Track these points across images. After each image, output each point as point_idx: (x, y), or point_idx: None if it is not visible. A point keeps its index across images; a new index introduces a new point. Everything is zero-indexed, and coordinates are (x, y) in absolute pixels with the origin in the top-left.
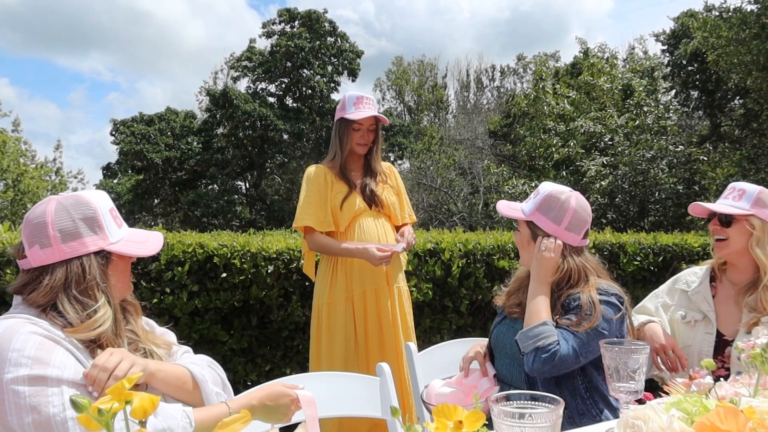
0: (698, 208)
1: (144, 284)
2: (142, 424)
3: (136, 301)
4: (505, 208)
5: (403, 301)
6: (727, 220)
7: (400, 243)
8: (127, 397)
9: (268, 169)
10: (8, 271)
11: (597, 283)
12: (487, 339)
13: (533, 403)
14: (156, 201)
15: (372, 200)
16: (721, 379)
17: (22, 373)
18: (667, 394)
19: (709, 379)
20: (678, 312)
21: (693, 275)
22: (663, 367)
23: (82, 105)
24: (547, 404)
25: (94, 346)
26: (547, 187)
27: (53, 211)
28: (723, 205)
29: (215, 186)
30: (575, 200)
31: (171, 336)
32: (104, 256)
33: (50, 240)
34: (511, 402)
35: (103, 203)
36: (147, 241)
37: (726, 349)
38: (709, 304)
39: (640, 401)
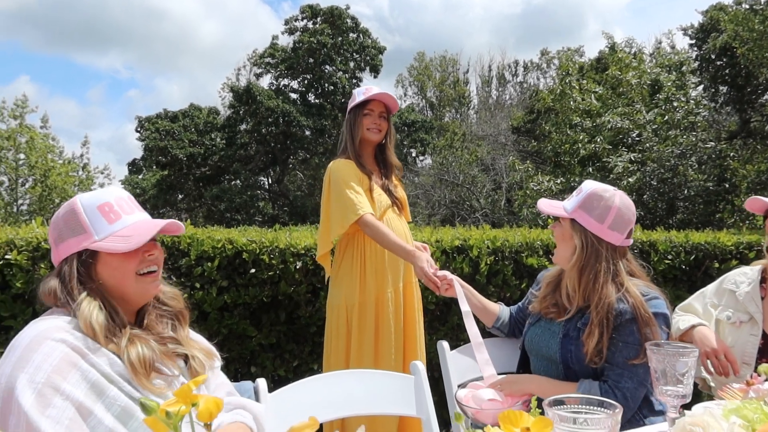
0: (757, 202)
1: (174, 279)
2: (208, 426)
3: (187, 310)
4: (546, 205)
5: (419, 298)
6: None
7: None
8: (193, 399)
9: (291, 165)
10: (42, 266)
11: (636, 286)
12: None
13: (589, 407)
14: (180, 196)
15: (393, 201)
16: None
17: (38, 378)
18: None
19: None
20: (724, 312)
21: (742, 275)
22: (713, 370)
23: (102, 102)
24: (605, 409)
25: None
26: (590, 185)
27: (54, 217)
28: None
29: (238, 181)
30: (619, 199)
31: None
32: (89, 254)
33: (53, 243)
34: (565, 406)
35: (92, 201)
36: (132, 236)
37: None
38: (757, 305)
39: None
